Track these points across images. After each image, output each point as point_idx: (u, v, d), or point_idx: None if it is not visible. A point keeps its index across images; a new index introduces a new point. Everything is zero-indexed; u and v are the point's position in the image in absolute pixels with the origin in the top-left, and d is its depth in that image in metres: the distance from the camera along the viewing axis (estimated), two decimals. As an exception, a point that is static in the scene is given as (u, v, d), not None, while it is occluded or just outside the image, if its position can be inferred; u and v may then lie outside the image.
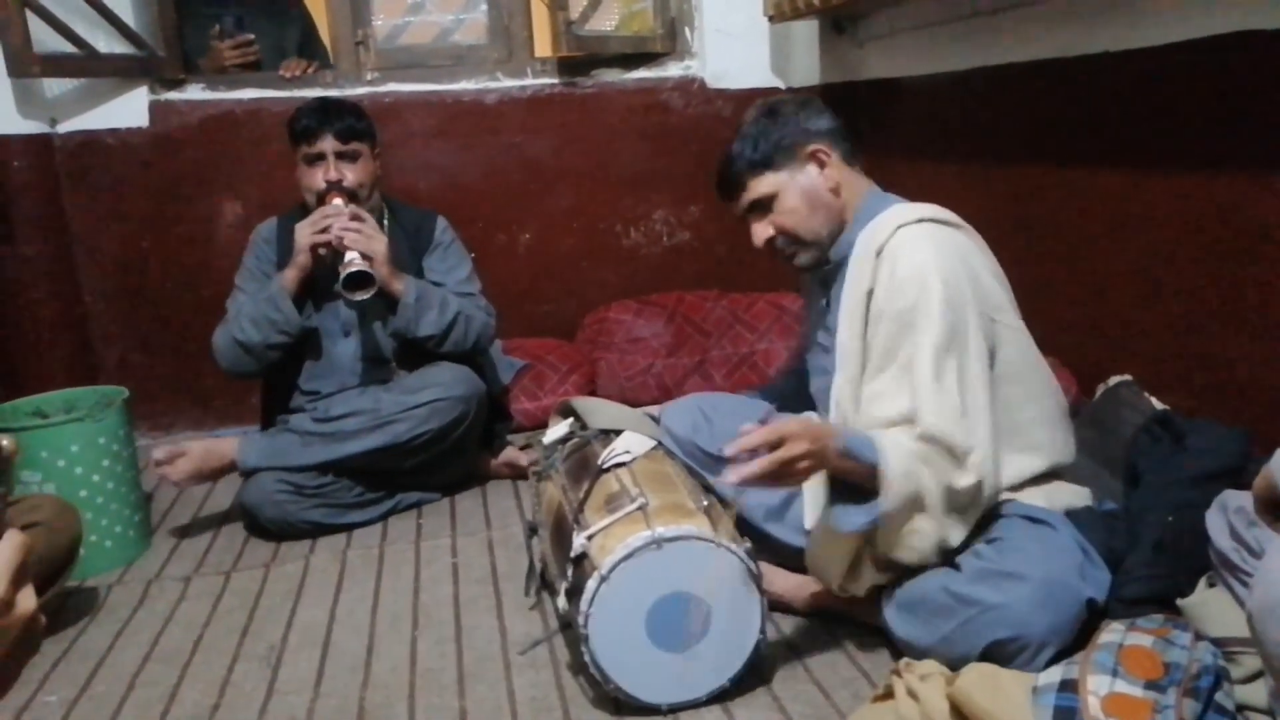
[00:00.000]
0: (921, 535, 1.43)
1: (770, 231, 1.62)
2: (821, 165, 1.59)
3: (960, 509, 1.44)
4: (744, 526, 1.68)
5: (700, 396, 1.94)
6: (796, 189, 1.59)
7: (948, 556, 1.47)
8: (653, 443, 1.76)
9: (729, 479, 1.34)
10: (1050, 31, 2.01)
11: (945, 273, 1.46)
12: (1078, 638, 1.39)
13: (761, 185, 1.60)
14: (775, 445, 1.32)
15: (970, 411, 1.43)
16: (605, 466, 1.63)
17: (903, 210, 1.56)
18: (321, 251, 2.13)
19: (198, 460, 2.14)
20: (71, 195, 2.76)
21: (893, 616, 1.50)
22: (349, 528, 2.20)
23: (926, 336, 1.43)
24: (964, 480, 1.42)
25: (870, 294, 1.51)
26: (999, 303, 1.54)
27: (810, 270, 1.68)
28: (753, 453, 1.33)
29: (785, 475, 1.36)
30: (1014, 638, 1.37)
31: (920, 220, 1.53)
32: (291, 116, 2.23)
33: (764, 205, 1.61)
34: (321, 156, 2.18)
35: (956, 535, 1.45)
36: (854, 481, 1.42)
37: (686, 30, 3.08)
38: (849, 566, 1.52)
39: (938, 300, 1.43)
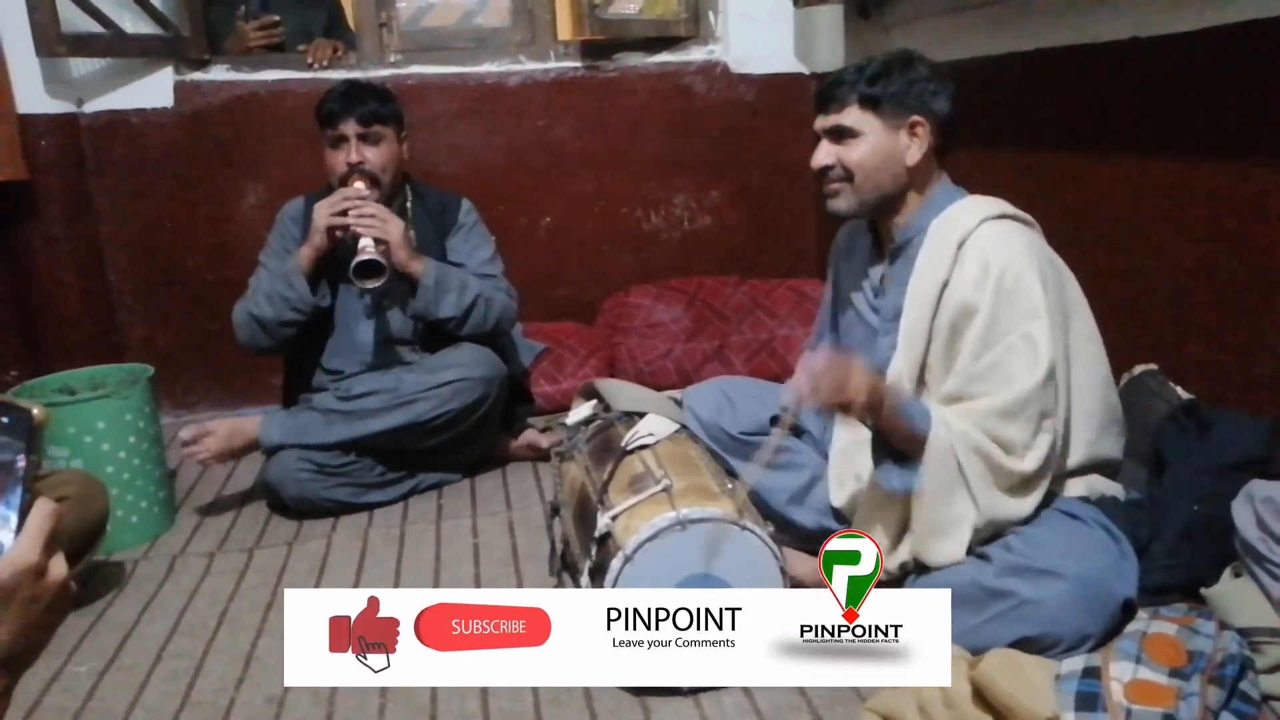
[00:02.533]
0: (960, 525, 1.44)
1: (832, 160, 1.58)
2: (913, 138, 1.56)
3: (1011, 492, 1.45)
4: (766, 510, 1.69)
5: (723, 380, 1.94)
6: (879, 142, 1.55)
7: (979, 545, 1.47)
8: (676, 425, 1.76)
9: (792, 388, 1.35)
10: (1079, 17, 1.99)
11: (1041, 271, 1.46)
12: (1109, 635, 1.38)
13: (854, 118, 1.56)
14: (842, 376, 1.35)
15: (1051, 409, 1.45)
16: (629, 448, 1.64)
17: (983, 204, 1.55)
18: (339, 233, 2.15)
19: (223, 439, 2.16)
20: (97, 175, 2.78)
21: (916, 605, 1.50)
22: (370, 507, 2.21)
23: (1038, 329, 1.43)
24: (1021, 466, 1.43)
25: (946, 284, 1.50)
26: (1071, 308, 1.55)
27: (841, 216, 1.64)
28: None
29: (840, 403, 1.37)
30: (1043, 635, 1.36)
31: (1002, 216, 1.53)
32: (319, 100, 2.23)
33: (843, 134, 1.57)
34: (344, 139, 2.19)
35: (1010, 511, 1.46)
36: (898, 446, 1.43)
37: (710, 14, 3.06)
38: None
39: (1041, 297, 1.44)
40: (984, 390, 1.45)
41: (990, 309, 1.45)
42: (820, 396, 1.36)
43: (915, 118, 1.55)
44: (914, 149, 1.56)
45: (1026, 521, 1.48)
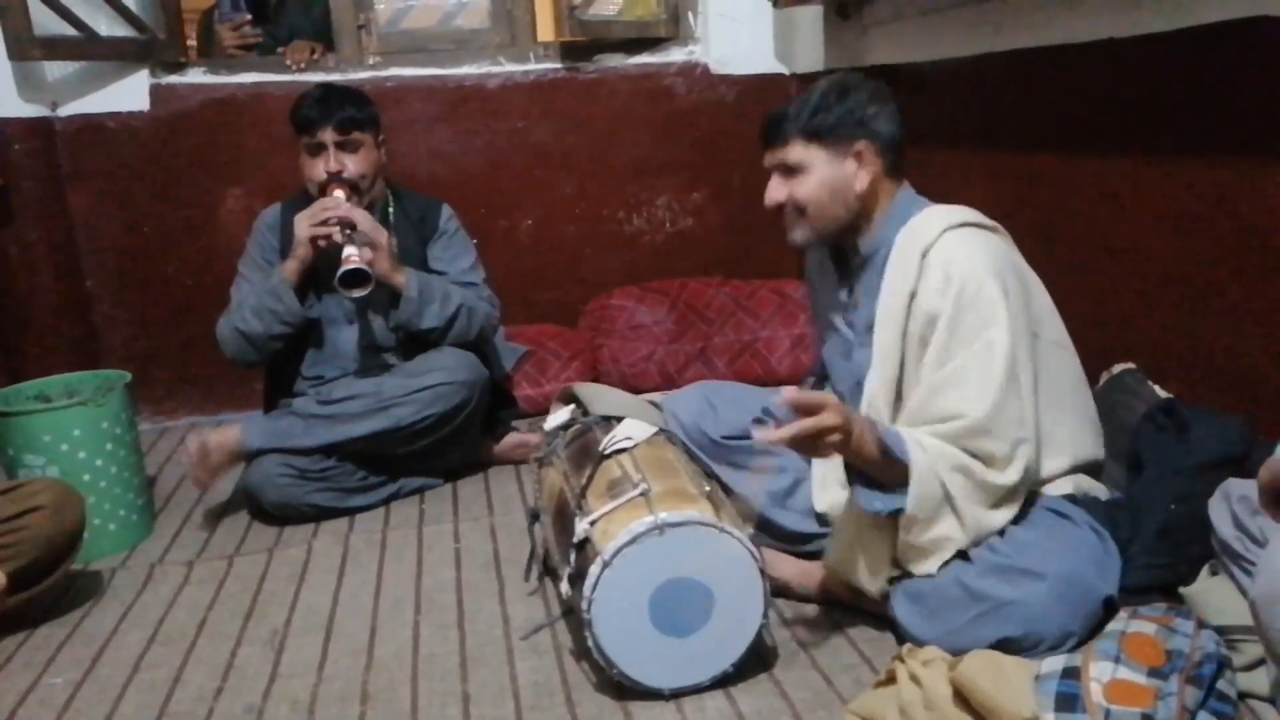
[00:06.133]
0: (946, 543, 1.44)
1: (783, 197, 1.60)
2: (860, 165, 1.56)
3: (995, 505, 1.45)
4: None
5: (706, 385, 1.93)
6: (826, 174, 1.56)
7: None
8: (654, 429, 1.75)
9: (760, 437, 1.34)
10: (1056, 17, 2.00)
11: (1002, 279, 1.46)
12: (1091, 633, 1.39)
13: (798, 154, 1.57)
14: (812, 412, 1.33)
15: (1025, 416, 1.45)
16: (607, 452, 1.63)
17: (944, 212, 1.55)
18: (321, 243, 2.13)
19: (215, 456, 2.13)
20: (73, 179, 2.75)
21: (900, 607, 1.50)
22: (351, 512, 2.20)
23: (998, 336, 1.43)
24: (1003, 479, 1.43)
25: (914, 295, 1.50)
26: (1039, 315, 1.55)
27: (799, 248, 1.66)
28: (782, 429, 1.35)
29: (813, 446, 1.36)
30: (1025, 635, 1.37)
31: (964, 224, 1.53)
32: (294, 105, 2.21)
33: (792, 170, 1.58)
34: (323, 147, 2.17)
35: (995, 523, 1.46)
36: (873, 474, 1.43)
37: (690, 15, 3.06)
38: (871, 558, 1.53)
39: (1002, 305, 1.44)
40: (949, 401, 1.44)
41: (950, 317, 1.45)
42: (794, 440, 1.34)
43: (858, 145, 1.55)
44: (862, 175, 1.56)
45: (1011, 521, 1.49)
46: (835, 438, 1.35)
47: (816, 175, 1.56)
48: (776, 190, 1.60)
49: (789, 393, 1.36)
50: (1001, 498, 1.46)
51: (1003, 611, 1.39)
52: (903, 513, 1.42)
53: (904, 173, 1.62)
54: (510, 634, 1.66)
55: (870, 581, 1.54)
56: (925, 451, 1.41)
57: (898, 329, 1.52)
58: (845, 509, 1.58)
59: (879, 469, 1.42)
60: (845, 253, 1.68)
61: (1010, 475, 1.44)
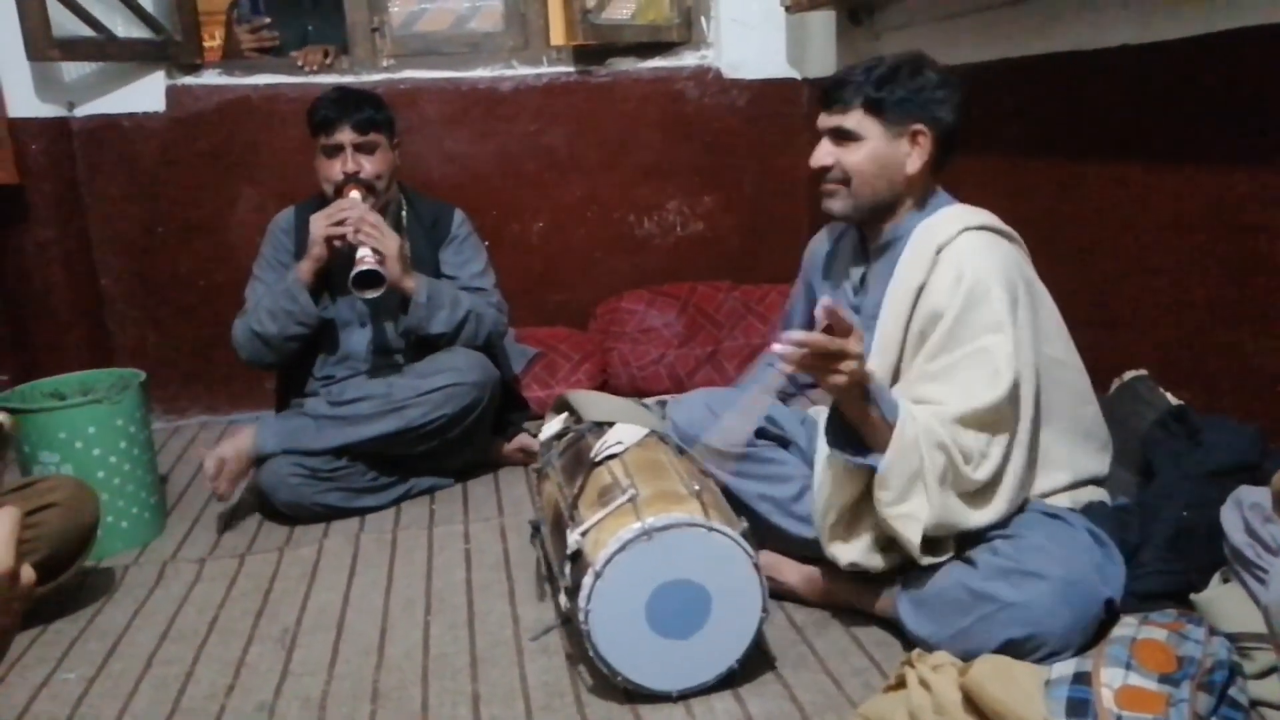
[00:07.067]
0: (911, 521, 1.43)
1: (830, 161, 1.56)
2: (914, 146, 1.54)
3: (967, 500, 1.45)
4: (752, 518, 1.69)
5: (708, 392, 1.93)
6: (879, 149, 1.53)
7: (961, 550, 1.47)
8: (645, 431, 1.73)
9: (780, 346, 1.30)
10: (1068, 24, 2.00)
11: (1013, 288, 1.46)
12: (1093, 637, 1.39)
13: (856, 121, 1.53)
14: (844, 333, 1.31)
15: (1000, 424, 1.45)
16: (598, 459, 1.62)
17: (965, 213, 1.55)
18: (336, 244, 2.14)
19: (233, 464, 2.14)
20: (88, 179, 2.78)
21: (906, 610, 1.50)
22: (362, 512, 2.21)
23: (997, 343, 1.43)
24: (975, 474, 1.44)
25: (921, 289, 1.49)
26: (1045, 330, 1.55)
27: (836, 218, 1.63)
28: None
29: (825, 367, 1.33)
30: (1029, 636, 1.37)
31: (983, 227, 1.52)
32: (311, 106, 2.23)
33: (844, 136, 1.55)
34: (340, 148, 2.18)
35: (960, 518, 1.45)
36: (862, 431, 1.43)
37: (702, 20, 3.07)
38: (845, 524, 1.52)
39: (1007, 313, 1.44)
40: (934, 392, 1.45)
41: (955, 315, 1.46)
42: (815, 354, 1.31)
43: (918, 126, 1.53)
44: (914, 157, 1.54)
45: (1009, 525, 1.49)
46: (848, 368, 1.31)
47: (869, 147, 1.54)
48: (825, 153, 1.57)
49: (828, 301, 1.32)
50: (971, 493, 1.45)
51: (1007, 613, 1.39)
52: (872, 469, 1.41)
53: (944, 169, 1.61)
54: (520, 634, 1.67)
55: (839, 539, 1.53)
56: (914, 421, 1.41)
57: (901, 320, 1.52)
58: (816, 490, 1.57)
59: (869, 425, 1.41)
60: (865, 235, 1.67)
61: (982, 472, 1.44)
